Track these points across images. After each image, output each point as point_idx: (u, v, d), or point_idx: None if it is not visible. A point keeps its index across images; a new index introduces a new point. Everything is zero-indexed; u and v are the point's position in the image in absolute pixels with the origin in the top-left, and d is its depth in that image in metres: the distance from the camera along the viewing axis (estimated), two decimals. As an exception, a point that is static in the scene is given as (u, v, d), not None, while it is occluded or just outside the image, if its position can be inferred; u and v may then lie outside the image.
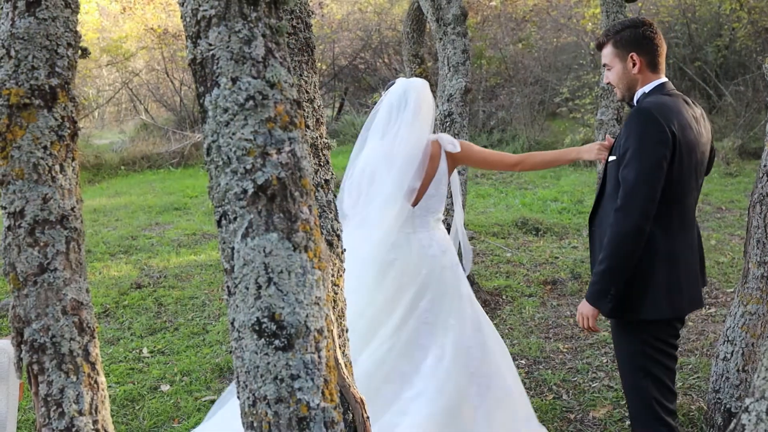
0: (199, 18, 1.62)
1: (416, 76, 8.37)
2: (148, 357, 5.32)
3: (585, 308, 2.98)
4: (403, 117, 3.64)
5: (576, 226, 8.68)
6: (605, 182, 3.01)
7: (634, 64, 3.00)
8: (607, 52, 3.07)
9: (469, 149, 3.73)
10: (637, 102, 3.00)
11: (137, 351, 5.43)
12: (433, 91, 8.22)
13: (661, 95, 2.95)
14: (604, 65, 3.12)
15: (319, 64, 16.82)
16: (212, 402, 4.54)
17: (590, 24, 14.32)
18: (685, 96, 3.03)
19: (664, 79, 3.02)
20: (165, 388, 4.77)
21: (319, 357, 1.60)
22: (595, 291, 2.90)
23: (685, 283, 2.93)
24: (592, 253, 3.11)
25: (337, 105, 18.70)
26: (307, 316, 1.59)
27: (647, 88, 3.00)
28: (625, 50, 3.01)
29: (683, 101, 2.95)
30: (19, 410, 3.65)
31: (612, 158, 2.96)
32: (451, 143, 3.66)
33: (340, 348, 2.32)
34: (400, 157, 3.58)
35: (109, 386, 4.76)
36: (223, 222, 1.63)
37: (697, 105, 3.05)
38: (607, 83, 3.15)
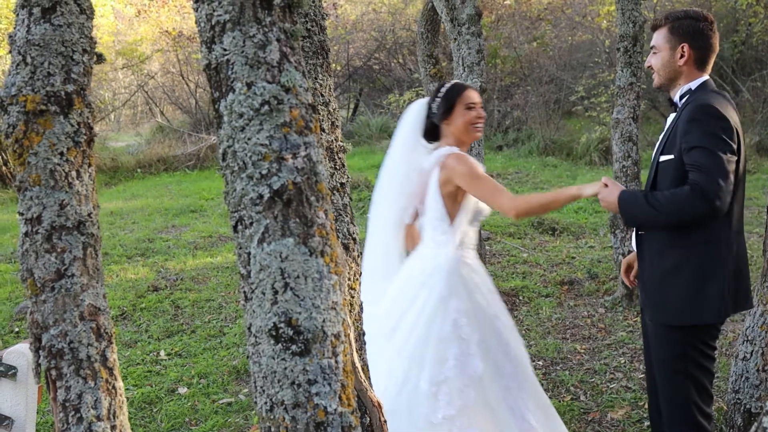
0: (213, 23, 1.62)
1: (431, 76, 8.36)
2: (165, 359, 5.34)
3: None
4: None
5: (592, 225, 8.63)
6: (655, 184, 2.91)
7: (682, 56, 2.90)
8: (661, 35, 2.96)
9: (453, 169, 3.30)
10: (681, 98, 2.93)
11: (154, 353, 5.45)
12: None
13: (711, 93, 2.87)
14: (652, 47, 3.00)
15: (334, 65, 16.84)
16: (229, 404, 4.55)
17: (605, 22, 14.24)
18: (725, 93, 2.96)
19: (707, 77, 2.95)
20: (182, 390, 4.79)
21: (336, 362, 1.60)
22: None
23: (743, 284, 2.91)
24: (641, 260, 3.00)
25: (352, 106, 18.70)
26: (323, 321, 1.58)
27: (693, 85, 2.92)
28: (679, 39, 2.91)
29: (728, 99, 2.89)
30: (37, 413, 3.67)
31: (666, 158, 2.85)
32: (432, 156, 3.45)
33: (357, 352, 2.31)
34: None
35: (127, 389, 4.78)
36: (239, 227, 1.63)
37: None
38: (648, 66, 3.03)
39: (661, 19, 2.99)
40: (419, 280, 3.33)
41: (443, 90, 3.46)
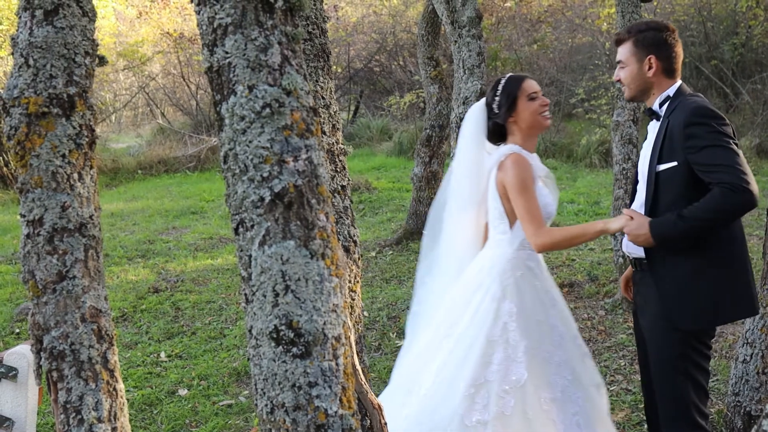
0: (215, 26, 1.63)
1: (431, 78, 8.37)
2: (165, 361, 5.34)
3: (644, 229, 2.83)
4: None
5: (593, 227, 8.63)
6: (657, 194, 2.89)
7: (650, 67, 2.95)
8: (626, 49, 3.00)
9: (506, 171, 3.20)
10: (661, 106, 2.96)
11: (155, 355, 5.45)
12: (448, 94, 8.23)
13: (691, 96, 2.91)
14: (619, 62, 3.05)
15: (334, 67, 16.82)
16: (229, 406, 4.55)
17: (605, 24, 14.26)
18: (701, 95, 3.00)
19: (680, 81, 2.99)
20: (183, 392, 4.79)
21: (337, 364, 1.61)
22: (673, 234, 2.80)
23: (752, 281, 2.92)
24: (655, 270, 2.95)
25: (353, 108, 18.71)
26: (324, 323, 1.59)
27: (671, 92, 2.95)
28: (645, 51, 2.95)
29: (706, 100, 2.92)
30: (37, 414, 3.68)
31: (667, 165, 2.85)
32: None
33: (357, 354, 2.32)
34: None
35: (127, 390, 4.78)
36: (241, 229, 1.63)
37: None
38: (617, 80, 3.07)
39: (624, 32, 3.04)
40: (476, 281, 3.25)
41: (500, 87, 3.30)
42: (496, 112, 3.29)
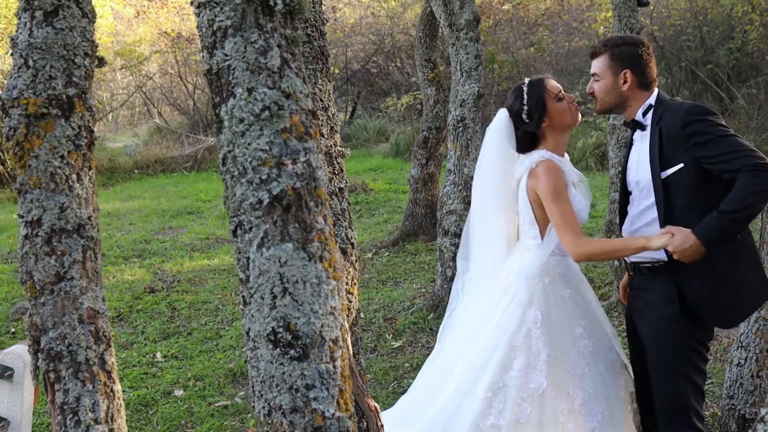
0: (215, 28, 1.63)
1: (428, 80, 8.37)
2: (161, 361, 5.34)
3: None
4: None
5: (588, 230, 8.65)
6: (669, 200, 2.88)
7: (625, 82, 2.99)
8: (601, 62, 3.04)
9: (538, 179, 3.14)
10: (645, 115, 2.99)
11: (151, 355, 5.45)
12: (446, 96, 8.24)
13: (673, 101, 2.96)
14: (593, 74, 3.07)
15: (332, 68, 16.79)
16: (225, 407, 4.55)
17: (602, 28, 14.26)
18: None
19: (657, 90, 3.04)
20: (178, 392, 4.79)
21: (334, 367, 1.61)
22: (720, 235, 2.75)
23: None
24: (689, 275, 2.89)
25: (350, 109, 18.71)
26: (322, 326, 1.59)
27: (652, 100, 3.00)
28: (621, 66, 2.99)
29: None
30: (33, 414, 3.67)
31: (673, 169, 2.85)
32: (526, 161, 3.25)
33: (354, 356, 2.32)
34: None
35: (123, 391, 4.77)
36: (239, 232, 1.64)
37: None
38: (590, 92, 3.09)
39: (600, 46, 3.08)
40: (504, 285, 3.21)
41: (525, 95, 3.20)
42: (527, 120, 3.20)
